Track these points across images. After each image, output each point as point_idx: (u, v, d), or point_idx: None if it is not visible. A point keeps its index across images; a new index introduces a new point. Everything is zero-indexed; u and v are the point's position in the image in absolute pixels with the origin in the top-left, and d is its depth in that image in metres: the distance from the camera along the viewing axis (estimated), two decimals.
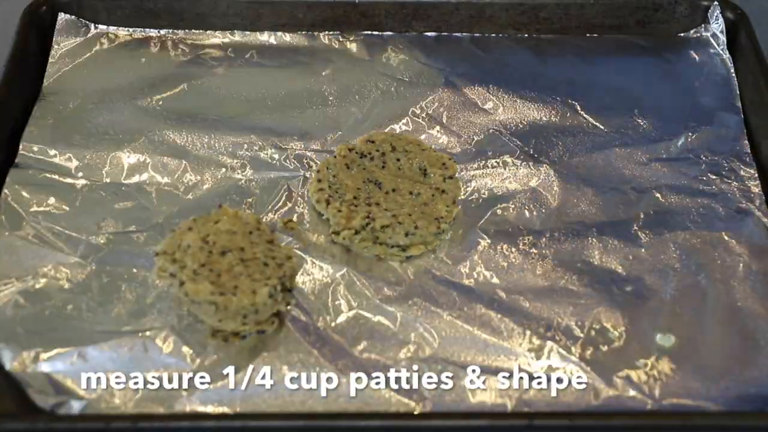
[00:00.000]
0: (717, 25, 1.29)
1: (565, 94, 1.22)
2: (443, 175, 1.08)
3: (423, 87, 1.23)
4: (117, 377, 0.93)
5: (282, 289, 0.97)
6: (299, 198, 1.09)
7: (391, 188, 1.06)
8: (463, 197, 1.09)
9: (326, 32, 1.29)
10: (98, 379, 0.93)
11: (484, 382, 0.94)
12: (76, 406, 0.91)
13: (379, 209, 1.04)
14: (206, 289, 0.94)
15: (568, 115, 1.19)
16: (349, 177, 1.07)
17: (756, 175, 1.13)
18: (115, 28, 1.27)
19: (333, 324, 0.98)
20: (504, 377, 0.94)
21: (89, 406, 0.91)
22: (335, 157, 1.09)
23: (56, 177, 1.10)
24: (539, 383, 0.94)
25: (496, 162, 1.14)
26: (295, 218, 1.07)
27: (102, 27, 1.27)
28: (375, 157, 1.09)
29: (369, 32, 1.29)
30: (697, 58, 1.27)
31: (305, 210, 1.08)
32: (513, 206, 1.09)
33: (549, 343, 0.97)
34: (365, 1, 1.28)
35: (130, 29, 1.28)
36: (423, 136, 1.16)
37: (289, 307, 0.98)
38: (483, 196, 1.11)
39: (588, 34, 1.30)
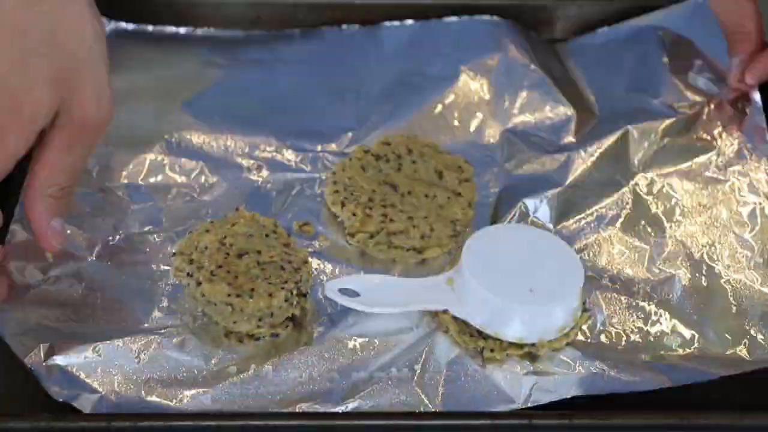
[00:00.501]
0: None
1: (576, 90, 1.21)
2: (459, 178, 1.09)
3: (438, 88, 1.23)
4: (130, 374, 0.93)
5: (297, 293, 0.97)
6: (315, 200, 1.10)
7: (406, 191, 1.07)
8: (478, 200, 1.10)
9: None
10: (111, 375, 0.93)
11: (488, 381, 0.94)
12: (88, 403, 0.91)
13: (394, 211, 1.04)
14: (223, 290, 0.94)
15: (580, 110, 1.19)
16: (365, 179, 1.07)
17: (763, 168, 1.12)
18: (115, 25, 1.27)
19: (347, 326, 0.98)
20: (505, 377, 0.94)
21: (101, 404, 0.91)
22: (350, 159, 1.10)
23: None
24: (539, 383, 0.94)
25: (511, 163, 1.15)
26: (310, 221, 1.08)
27: (113, 24, 1.27)
28: (391, 160, 1.10)
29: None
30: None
31: (321, 212, 1.09)
32: (526, 207, 1.09)
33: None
34: (365, 2, 1.28)
35: (131, 27, 1.28)
36: (439, 138, 1.16)
37: (303, 311, 0.99)
38: (498, 197, 1.11)
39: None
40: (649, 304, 1.00)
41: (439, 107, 1.20)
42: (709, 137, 1.15)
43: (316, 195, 1.10)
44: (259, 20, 1.29)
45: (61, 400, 0.91)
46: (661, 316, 0.99)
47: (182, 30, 1.28)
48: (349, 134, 1.17)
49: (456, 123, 1.19)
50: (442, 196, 1.07)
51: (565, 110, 1.19)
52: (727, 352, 0.96)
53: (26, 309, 0.98)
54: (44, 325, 0.96)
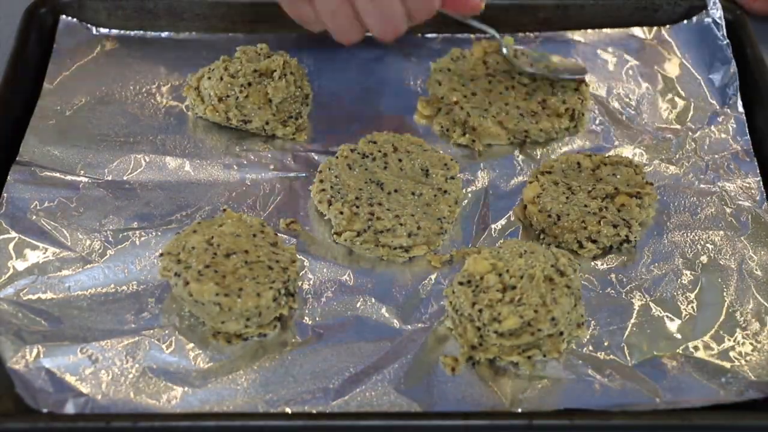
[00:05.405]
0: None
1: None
2: (445, 176, 1.09)
3: (425, 87, 1.23)
4: (117, 375, 0.93)
5: (285, 292, 0.97)
6: (301, 199, 1.10)
7: (393, 189, 1.07)
8: (464, 197, 1.10)
9: (326, 33, 1.29)
10: (99, 377, 0.93)
11: (486, 381, 0.94)
12: (76, 404, 0.91)
13: (381, 209, 1.04)
14: (211, 290, 0.94)
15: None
16: (351, 177, 1.07)
17: (758, 171, 1.14)
18: (117, 31, 1.27)
19: (335, 325, 0.98)
20: (505, 376, 0.95)
21: (89, 404, 0.91)
22: (337, 157, 1.10)
23: (58, 175, 1.10)
24: (540, 383, 0.94)
25: (497, 162, 1.15)
26: (297, 219, 1.07)
27: (103, 30, 1.27)
28: (377, 158, 1.10)
29: (369, 33, 1.29)
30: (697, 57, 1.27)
31: (308, 211, 1.09)
32: (514, 206, 1.10)
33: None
34: None
35: (131, 31, 1.28)
36: (425, 137, 1.16)
37: (291, 310, 0.99)
38: (485, 195, 1.11)
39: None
40: (645, 304, 1.01)
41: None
42: (697, 156, 1.16)
43: (303, 194, 1.10)
44: (260, 20, 1.29)
45: (48, 405, 0.90)
46: (657, 316, 1.00)
47: (173, 34, 1.28)
48: (335, 134, 1.17)
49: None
50: (428, 194, 1.07)
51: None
52: (723, 363, 0.97)
53: (12, 310, 0.97)
54: (30, 327, 0.96)
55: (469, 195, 1.11)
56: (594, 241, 1.04)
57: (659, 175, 1.13)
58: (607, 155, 1.12)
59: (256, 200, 1.09)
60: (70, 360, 0.94)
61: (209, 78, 1.15)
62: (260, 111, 1.13)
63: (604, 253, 1.05)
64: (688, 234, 1.07)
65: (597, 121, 1.20)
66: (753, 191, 1.11)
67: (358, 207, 1.04)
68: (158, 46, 1.27)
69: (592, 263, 1.04)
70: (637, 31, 1.30)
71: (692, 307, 1.01)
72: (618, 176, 1.09)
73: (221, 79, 1.14)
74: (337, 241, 1.05)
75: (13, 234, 1.03)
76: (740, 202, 1.10)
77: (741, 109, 1.20)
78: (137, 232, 1.05)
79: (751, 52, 1.23)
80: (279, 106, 1.14)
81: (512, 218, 1.09)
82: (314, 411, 0.91)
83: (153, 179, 1.11)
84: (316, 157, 1.14)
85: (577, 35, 1.30)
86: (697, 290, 1.02)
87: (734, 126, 1.18)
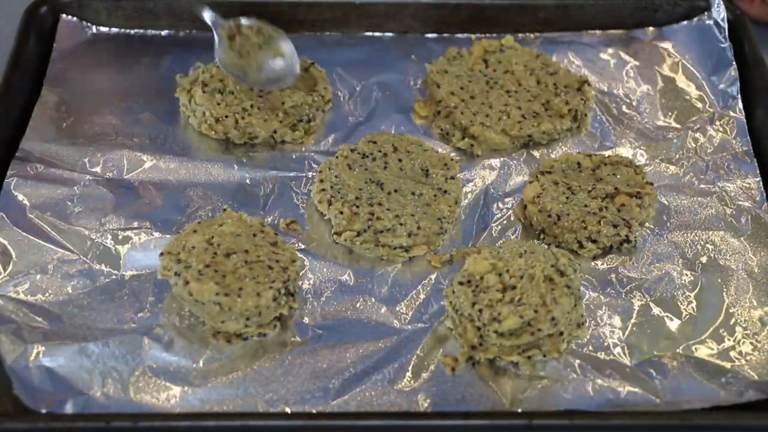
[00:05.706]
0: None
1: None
2: (445, 176, 1.09)
3: (424, 87, 1.23)
4: (117, 375, 0.93)
5: (285, 292, 0.97)
6: (301, 199, 1.10)
7: (393, 189, 1.07)
8: (464, 197, 1.10)
9: (326, 33, 1.29)
10: (99, 376, 0.93)
11: (486, 381, 0.94)
12: (76, 404, 0.91)
13: (381, 209, 1.04)
14: (211, 289, 0.94)
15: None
16: (351, 177, 1.07)
17: (758, 172, 1.14)
18: (117, 30, 1.27)
19: (335, 325, 0.98)
20: (505, 376, 0.95)
21: (89, 404, 0.91)
22: (337, 157, 1.10)
23: (58, 174, 1.10)
24: (540, 383, 0.94)
25: (497, 162, 1.15)
26: (297, 219, 1.07)
27: (103, 29, 1.27)
28: (377, 158, 1.10)
29: (369, 33, 1.29)
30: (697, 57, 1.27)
31: (308, 211, 1.09)
32: (514, 206, 1.10)
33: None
34: (365, 2, 1.29)
35: (132, 30, 1.28)
36: (424, 137, 1.16)
37: (291, 310, 0.99)
38: (485, 195, 1.11)
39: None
40: (645, 304, 1.01)
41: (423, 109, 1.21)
42: (697, 157, 1.16)
43: (303, 194, 1.10)
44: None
45: (48, 405, 0.91)
46: (657, 316, 1.00)
47: (164, 33, 1.28)
48: (335, 134, 1.17)
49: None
50: (428, 194, 1.07)
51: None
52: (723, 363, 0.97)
53: (11, 308, 0.97)
54: (29, 325, 0.96)
55: (469, 195, 1.11)
56: (594, 241, 1.04)
57: (659, 175, 1.14)
58: (607, 155, 1.12)
59: (256, 200, 1.09)
60: (70, 359, 0.94)
61: (204, 92, 1.14)
62: (266, 123, 1.13)
63: (604, 253, 1.06)
64: (688, 234, 1.08)
65: (597, 121, 1.20)
66: (753, 192, 1.12)
67: (358, 207, 1.05)
68: (158, 45, 1.27)
69: (592, 263, 1.05)
70: (637, 31, 1.30)
71: (692, 307, 1.01)
72: (618, 176, 1.09)
73: (219, 104, 1.13)
74: (337, 241, 1.05)
75: (13, 233, 1.03)
76: (740, 203, 1.10)
77: (741, 109, 1.19)
78: (137, 231, 1.05)
79: (751, 53, 1.23)
80: (289, 110, 1.14)
81: (512, 218, 1.09)
82: (314, 411, 0.92)
83: (153, 179, 1.11)
84: (316, 157, 1.14)
85: (577, 35, 1.30)
86: (697, 290, 1.02)
87: (734, 126, 1.18)
